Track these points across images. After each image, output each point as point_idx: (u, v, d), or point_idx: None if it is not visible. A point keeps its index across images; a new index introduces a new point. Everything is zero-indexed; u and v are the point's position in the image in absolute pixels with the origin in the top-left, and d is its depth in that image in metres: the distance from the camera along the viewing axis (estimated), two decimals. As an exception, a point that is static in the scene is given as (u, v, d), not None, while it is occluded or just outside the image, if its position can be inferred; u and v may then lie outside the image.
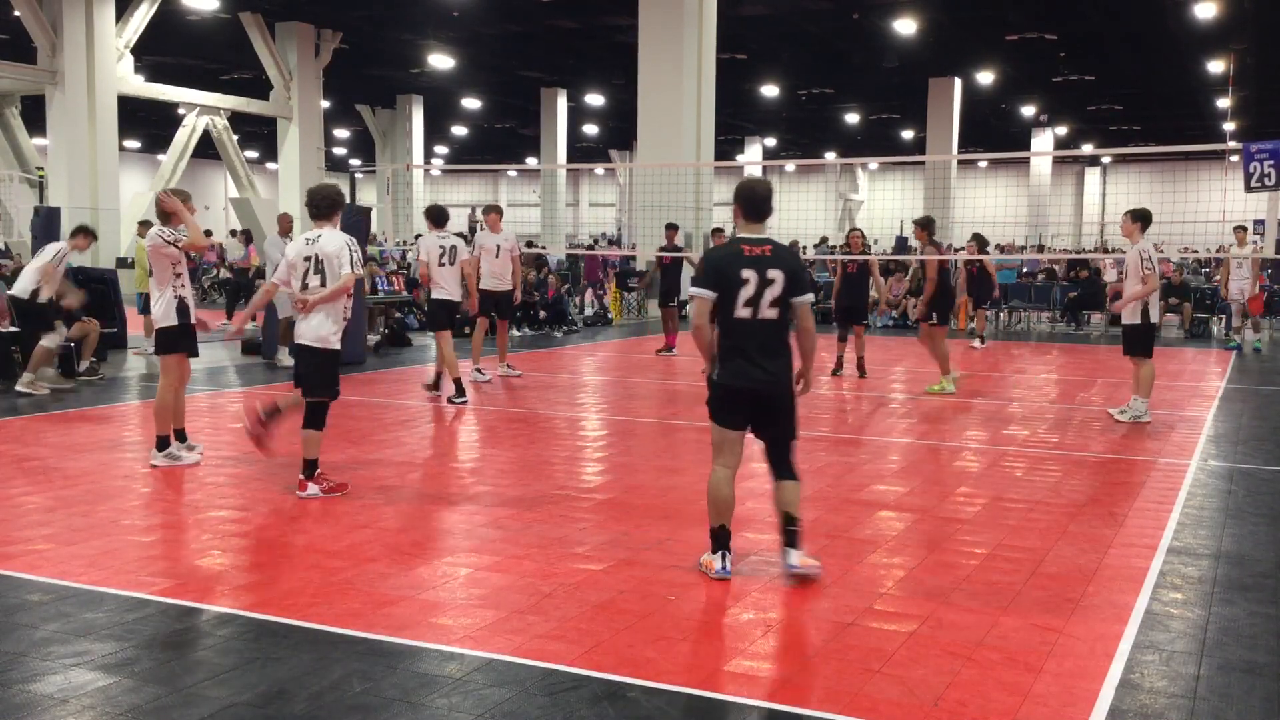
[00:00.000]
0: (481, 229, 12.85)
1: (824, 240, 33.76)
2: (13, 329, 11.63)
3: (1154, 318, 10.06)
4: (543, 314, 19.55)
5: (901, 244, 38.40)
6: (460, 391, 10.90)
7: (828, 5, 25.01)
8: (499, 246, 12.39)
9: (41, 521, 6.21)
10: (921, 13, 24.56)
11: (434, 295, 11.28)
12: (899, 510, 6.78)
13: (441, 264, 11.16)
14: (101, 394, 11.22)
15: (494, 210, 12.77)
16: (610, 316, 22.05)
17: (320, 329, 6.88)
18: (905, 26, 25.09)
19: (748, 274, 5.13)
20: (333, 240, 6.91)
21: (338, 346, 6.99)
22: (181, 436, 7.98)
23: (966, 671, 4.22)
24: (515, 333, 17.85)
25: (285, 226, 13.93)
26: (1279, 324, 20.33)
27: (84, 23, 23.60)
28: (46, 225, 16.56)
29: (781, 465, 5.38)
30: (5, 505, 6.57)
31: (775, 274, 5.13)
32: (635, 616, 4.75)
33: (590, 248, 32.78)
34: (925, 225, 12.31)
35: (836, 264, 13.92)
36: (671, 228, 16.17)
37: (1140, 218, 10.05)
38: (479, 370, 12.56)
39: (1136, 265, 9.93)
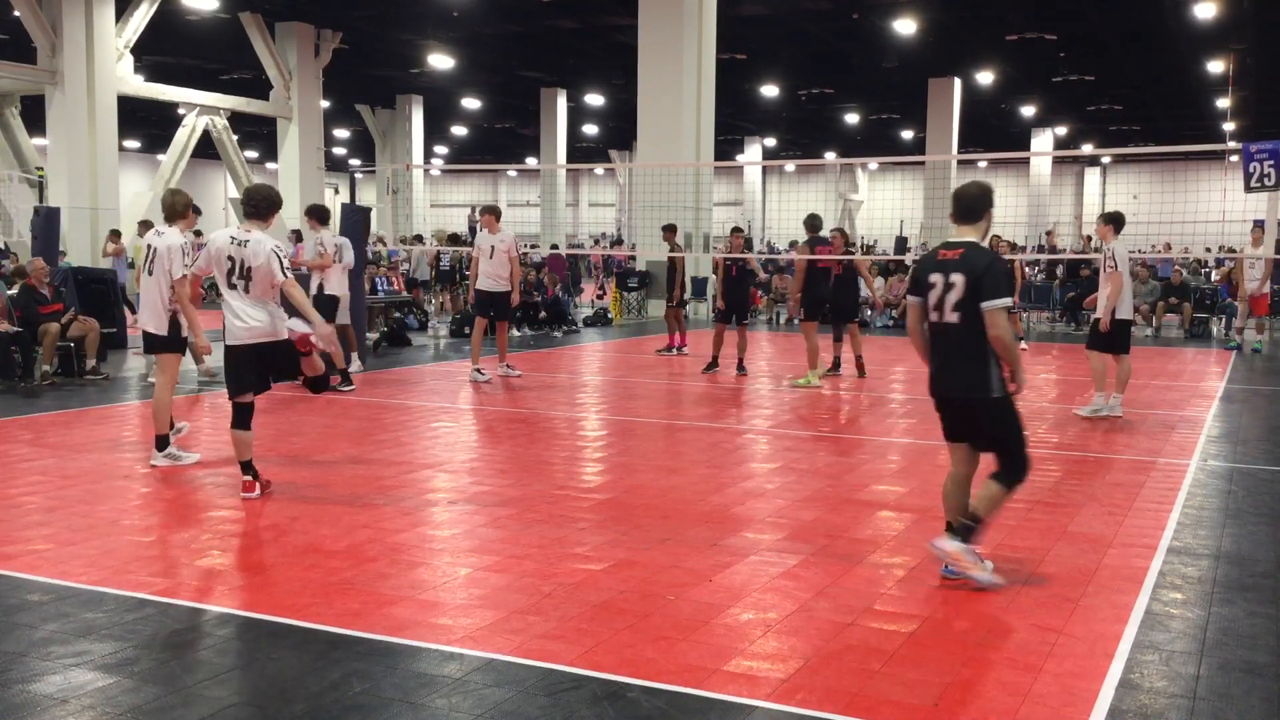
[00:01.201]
0: (480, 229, 12.85)
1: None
2: (14, 329, 11.65)
3: (1122, 314, 10.10)
4: (543, 314, 19.56)
5: (901, 244, 38.41)
6: (347, 380, 11.73)
7: (828, 5, 24.99)
8: (494, 247, 12.39)
9: (41, 521, 6.21)
10: (921, 13, 24.54)
11: (326, 290, 11.92)
12: (899, 510, 6.78)
13: (334, 260, 11.89)
14: (102, 394, 11.22)
15: (490, 211, 12.76)
16: (610, 316, 22.06)
17: (276, 322, 6.81)
18: (905, 26, 25.07)
19: (935, 278, 5.11)
20: (260, 248, 6.73)
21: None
22: (175, 433, 8.08)
23: (966, 671, 4.22)
24: (515, 333, 17.86)
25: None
26: (1279, 324, 20.32)
27: (84, 23, 23.56)
28: (46, 225, 16.55)
29: (998, 465, 5.27)
30: (5, 505, 6.57)
31: (957, 278, 5.05)
32: (635, 616, 4.75)
33: (554, 247, 32.67)
34: (812, 224, 12.93)
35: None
36: (670, 229, 16.16)
37: (1112, 220, 10.37)
38: (478, 370, 12.56)
39: (1104, 264, 10.12)
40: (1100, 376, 10.36)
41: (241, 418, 6.88)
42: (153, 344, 7.95)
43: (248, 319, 6.76)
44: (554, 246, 32.34)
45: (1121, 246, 10.13)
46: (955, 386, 5.21)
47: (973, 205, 5.25)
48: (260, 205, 6.94)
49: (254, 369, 6.88)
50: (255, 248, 6.75)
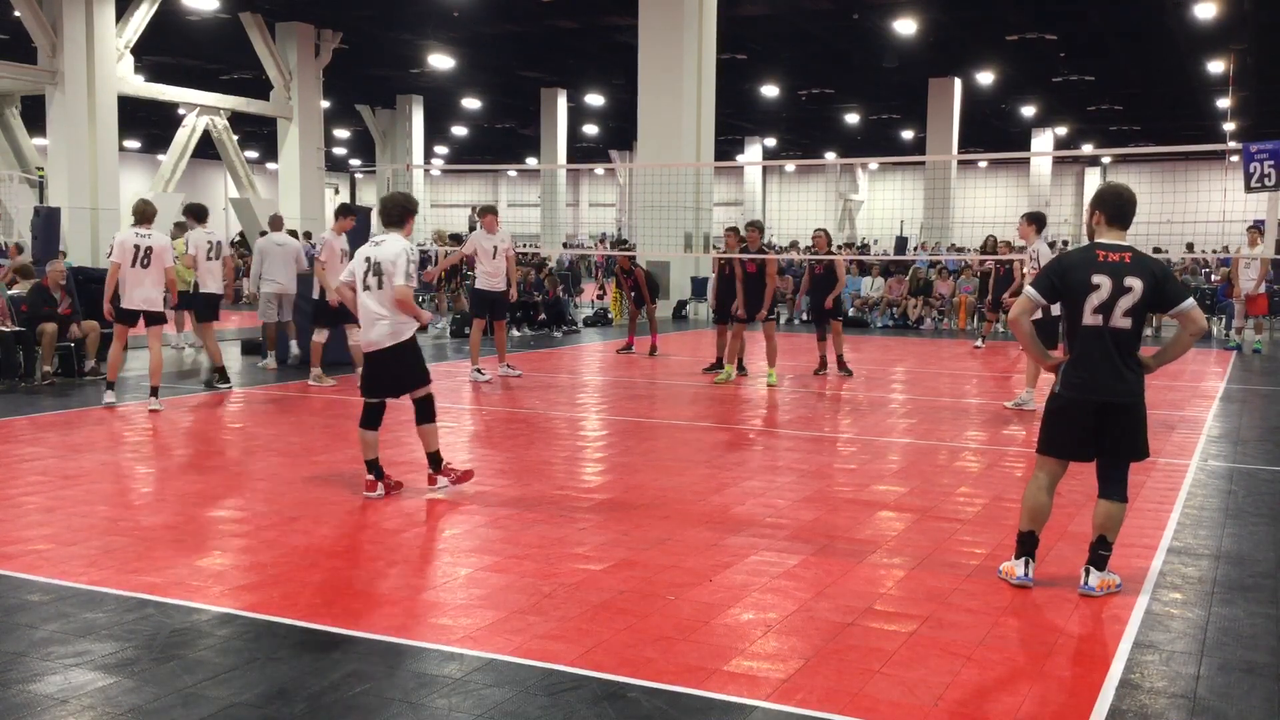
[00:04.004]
0: (479, 229, 12.85)
1: None
2: (16, 329, 11.65)
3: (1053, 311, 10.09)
4: (542, 315, 19.55)
5: (901, 244, 38.41)
6: (224, 378, 11.73)
7: (828, 5, 25.00)
8: (496, 248, 12.39)
9: (41, 521, 6.21)
10: (921, 13, 24.56)
11: (202, 289, 12.21)
12: (899, 510, 6.78)
13: (209, 259, 12.13)
14: (101, 394, 11.20)
15: (490, 211, 12.76)
16: (610, 316, 22.06)
17: (398, 327, 6.91)
18: (905, 26, 25.09)
19: (1099, 279, 4.95)
20: (391, 248, 6.87)
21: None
22: (111, 386, 10.29)
23: (966, 671, 4.22)
24: (515, 333, 17.88)
25: (276, 226, 14.43)
26: (1279, 324, 20.31)
27: (84, 23, 23.57)
28: (46, 225, 16.55)
29: (1111, 483, 5.16)
30: (5, 505, 6.57)
31: (1134, 283, 4.90)
32: (635, 616, 4.75)
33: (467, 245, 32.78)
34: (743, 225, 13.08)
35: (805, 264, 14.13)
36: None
37: (1035, 220, 10.62)
38: (478, 370, 12.56)
39: (1026, 263, 10.29)
40: (1034, 374, 10.88)
41: (368, 417, 7.02)
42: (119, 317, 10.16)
43: (381, 324, 6.87)
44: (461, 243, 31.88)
45: (1044, 246, 10.33)
46: (1119, 391, 5.00)
47: (1129, 210, 5.13)
48: (392, 213, 7.05)
49: (380, 374, 7.01)
50: (387, 246, 6.87)
